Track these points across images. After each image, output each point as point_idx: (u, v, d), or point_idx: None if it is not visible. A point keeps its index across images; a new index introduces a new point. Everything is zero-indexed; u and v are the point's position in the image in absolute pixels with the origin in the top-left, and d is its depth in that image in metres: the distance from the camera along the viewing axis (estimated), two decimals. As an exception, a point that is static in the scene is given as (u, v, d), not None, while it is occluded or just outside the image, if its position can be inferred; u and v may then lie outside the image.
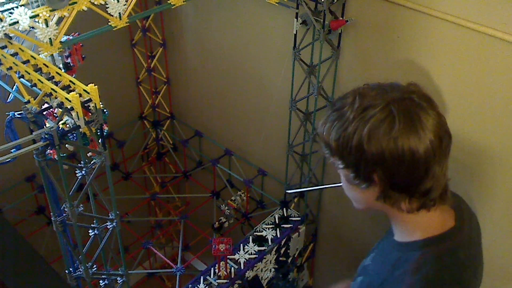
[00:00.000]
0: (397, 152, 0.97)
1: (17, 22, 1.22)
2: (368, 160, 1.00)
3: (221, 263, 1.98)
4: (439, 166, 1.03)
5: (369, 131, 0.98)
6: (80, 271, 1.56)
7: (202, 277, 2.01)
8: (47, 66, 1.26)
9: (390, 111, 0.98)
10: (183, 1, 1.59)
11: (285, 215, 2.27)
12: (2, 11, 1.23)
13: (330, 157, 1.07)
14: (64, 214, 1.42)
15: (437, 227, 1.11)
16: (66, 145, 1.28)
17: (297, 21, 1.88)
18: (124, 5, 1.42)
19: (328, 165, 2.29)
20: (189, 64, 2.77)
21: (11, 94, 1.37)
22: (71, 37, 1.37)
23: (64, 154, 1.31)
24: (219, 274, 2.00)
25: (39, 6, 1.26)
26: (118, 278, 1.66)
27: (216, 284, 1.98)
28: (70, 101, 1.15)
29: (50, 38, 1.30)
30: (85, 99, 1.18)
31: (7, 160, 1.19)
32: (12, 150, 1.21)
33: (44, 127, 1.23)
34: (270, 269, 2.20)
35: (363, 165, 1.01)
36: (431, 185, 1.03)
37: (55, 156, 1.28)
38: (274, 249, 2.15)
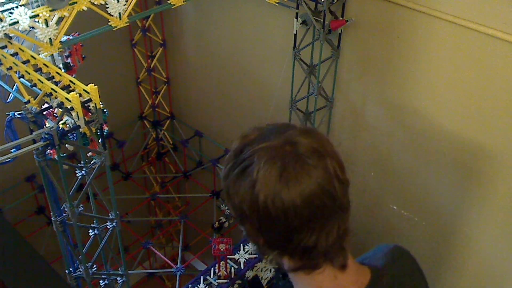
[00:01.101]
0: (257, 206, 0.84)
1: (17, 22, 1.22)
2: (234, 209, 0.89)
3: (221, 263, 1.98)
4: (317, 225, 0.88)
5: (234, 179, 0.87)
6: (80, 271, 1.56)
7: (202, 277, 2.01)
8: (47, 66, 1.26)
9: (258, 158, 0.85)
10: (183, 1, 1.59)
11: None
12: (2, 11, 1.23)
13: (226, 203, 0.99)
14: (64, 214, 1.42)
15: None
16: (66, 145, 1.28)
17: (297, 21, 1.88)
18: (124, 5, 1.42)
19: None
20: (189, 64, 2.77)
21: (11, 94, 1.37)
22: (71, 37, 1.37)
23: (64, 154, 1.31)
24: (219, 274, 2.00)
25: (39, 6, 1.26)
26: (118, 278, 1.66)
27: (216, 284, 1.98)
28: (70, 101, 1.15)
29: (50, 38, 1.30)
30: (85, 99, 1.18)
31: (7, 160, 1.19)
32: (12, 150, 1.21)
33: (44, 127, 1.23)
34: (270, 269, 2.20)
35: (234, 213, 0.90)
36: (310, 245, 0.89)
37: (55, 156, 1.28)
38: (274, 249, 2.15)
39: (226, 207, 2.54)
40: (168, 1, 1.58)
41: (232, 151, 0.90)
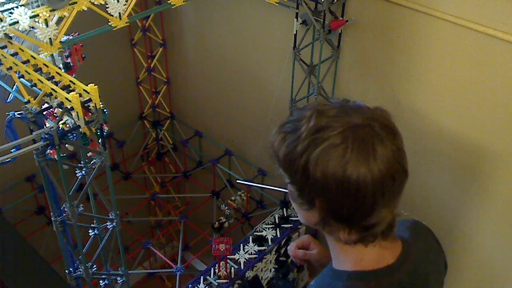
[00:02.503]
0: (342, 182, 0.88)
1: (17, 22, 1.22)
2: (312, 184, 0.91)
3: (221, 263, 1.98)
4: (387, 202, 0.94)
5: (317, 155, 0.89)
6: (80, 271, 1.56)
7: (202, 277, 2.01)
8: (47, 66, 1.26)
9: (344, 137, 0.89)
10: (183, 1, 1.59)
11: (285, 215, 2.27)
12: (2, 11, 1.23)
13: (278, 168, 1.01)
14: (64, 214, 1.42)
15: (370, 263, 1.02)
16: (66, 145, 1.28)
17: (297, 21, 1.88)
18: (124, 5, 1.42)
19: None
20: (189, 64, 2.77)
21: (11, 94, 1.37)
22: (71, 37, 1.37)
23: (64, 154, 1.31)
24: (219, 274, 2.00)
25: (39, 6, 1.27)
26: (118, 278, 1.66)
27: (216, 284, 1.98)
28: (70, 101, 1.15)
29: (50, 38, 1.31)
30: (85, 99, 1.18)
31: (7, 160, 1.19)
32: (12, 150, 1.21)
33: (44, 127, 1.23)
34: (270, 269, 2.20)
35: (307, 187, 0.92)
36: (374, 221, 0.95)
37: (55, 156, 1.28)
38: (274, 249, 2.15)
39: (226, 207, 2.54)
40: (168, 1, 1.58)
41: (312, 125, 0.92)
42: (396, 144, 0.93)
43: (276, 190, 1.48)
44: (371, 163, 0.88)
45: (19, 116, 1.29)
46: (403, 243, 1.06)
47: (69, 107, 1.17)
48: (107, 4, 1.39)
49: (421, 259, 1.09)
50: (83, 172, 1.35)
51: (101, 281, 1.67)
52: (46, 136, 1.20)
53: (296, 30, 1.91)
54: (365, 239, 0.99)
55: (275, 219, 2.25)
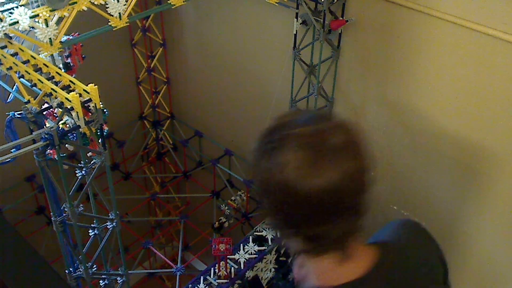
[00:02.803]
0: (286, 190, 0.87)
1: (17, 22, 1.22)
2: (261, 183, 0.92)
3: (221, 263, 1.98)
4: (338, 215, 0.91)
5: (266, 156, 0.90)
6: (80, 271, 1.56)
7: (202, 277, 2.01)
8: (47, 66, 1.26)
9: (295, 146, 0.87)
10: (183, 1, 1.59)
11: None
12: (2, 11, 1.23)
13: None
14: (64, 214, 1.42)
15: (330, 278, 0.99)
16: (66, 145, 1.28)
17: (297, 21, 1.88)
18: (124, 5, 1.42)
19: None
20: (189, 64, 2.77)
21: (11, 94, 1.37)
22: (71, 37, 1.37)
23: (64, 154, 1.31)
24: (219, 274, 2.00)
25: (39, 6, 1.26)
26: (118, 278, 1.66)
27: (216, 284, 1.98)
28: (70, 101, 1.15)
29: (50, 38, 1.30)
30: (85, 99, 1.18)
31: (7, 160, 1.19)
32: (12, 150, 1.21)
33: (44, 127, 1.23)
34: (270, 269, 2.20)
35: (261, 187, 0.93)
36: (319, 233, 0.92)
37: (55, 156, 1.28)
38: (274, 249, 2.15)
39: (226, 207, 2.54)
40: (168, 1, 1.58)
41: (266, 129, 0.93)
42: (352, 160, 0.89)
43: None
44: (320, 174, 0.86)
45: (19, 116, 1.29)
46: (380, 250, 1.03)
47: (69, 107, 1.17)
48: (107, 4, 1.39)
49: (405, 262, 1.05)
50: (83, 172, 1.35)
51: (101, 281, 1.67)
52: (46, 136, 1.20)
53: (296, 30, 1.91)
54: (314, 250, 0.96)
55: (275, 219, 2.25)
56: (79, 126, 1.21)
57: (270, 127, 0.93)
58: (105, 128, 1.26)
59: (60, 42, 1.34)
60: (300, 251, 0.99)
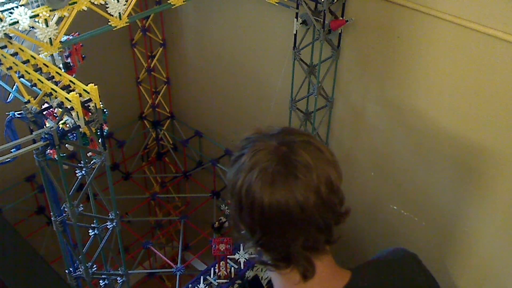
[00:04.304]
0: (238, 196, 0.90)
1: (17, 22, 1.22)
2: (229, 193, 0.95)
3: (221, 263, 1.98)
4: (280, 231, 0.90)
5: (231, 167, 0.96)
6: (80, 271, 1.56)
7: (202, 277, 2.01)
8: (47, 66, 1.26)
9: (256, 161, 0.89)
10: (183, 1, 1.59)
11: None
12: (2, 11, 1.23)
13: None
14: (64, 214, 1.42)
15: None
16: (66, 145, 1.28)
17: (297, 21, 1.88)
18: (124, 5, 1.42)
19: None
20: (189, 64, 2.77)
21: (11, 94, 1.37)
22: (71, 37, 1.37)
23: (64, 154, 1.31)
24: (219, 274, 2.00)
25: (39, 6, 1.26)
26: (118, 278, 1.66)
27: (216, 284, 1.98)
28: (70, 101, 1.15)
29: (50, 38, 1.31)
30: (85, 99, 1.18)
31: (7, 160, 1.19)
32: (12, 150, 1.21)
33: (44, 127, 1.23)
34: (270, 269, 2.20)
35: (233, 204, 0.96)
36: (271, 245, 0.93)
37: (55, 156, 1.28)
38: (274, 249, 2.15)
39: (226, 207, 2.54)
40: (168, 1, 1.58)
41: (239, 142, 0.98)
42: (305, 181, 0.88)
43: None
44: (278, 190, 0.86)
45: (19, 116, 1.29)
46: (353, 275, 1.01)
47: (69, 107, 1.17)
48: (107, 4, 1.39)
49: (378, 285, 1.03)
50: (83, 172, 1.35)
51: (101, 281, 1.67)
52: (46, 136, 1.20)
53: (296, 30, 1.91)
54: (273, 263, 0.96)
55: (275, 219, 2.25)
56: (79, 126, 1.21)
57: (240, 143, 0.97)
58: (105, 128, 1.26)
59: (60, 42, 1.34)
60: (259, 263, 0.99)
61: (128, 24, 1.45)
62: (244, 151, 0.93)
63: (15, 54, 1.29)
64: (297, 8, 1.85)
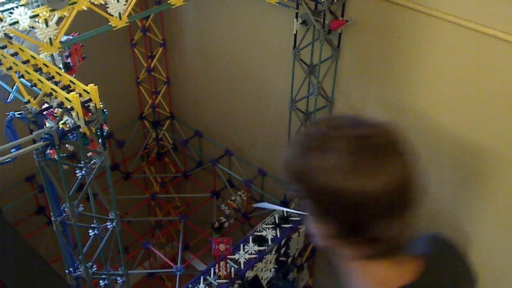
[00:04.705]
0: (344, 193, 0.88)
1: (17, 22, 1.22)
2: (317, 194, 0.92)
3: (221, 263, 1.98)
4: (394, 216, 0.93)
5: (320, 164, 0.90)
6: (80, 271, 1.56)
7: (202, 277, 2.01)
8: (47, 66, 1.26)
9: (350, 148, 0.89)
10: (183, 1, 1.59)
11: (285, 215, 2.27)
12: (2, 11, 1.23)
13: (292, 183, 1.00)
14: (64, 214, 1.42)
15: (390, 280, 0.99)
16: (66, 145, 1.28)
17: (297, 21, 1.88)
18: (124, 5, 1.42)
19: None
20: (189, 64, 2.77)
21: (11, 94, 1.37)
22: (71, 37, 1.37)
23: (64, 154, 1.31)
24: (219, 274, 2.00)
25: (39, 6, 1.26)
26: (118, 278, 1.66)
27: (216, 284, 1.98)
28: (70, 101, 1.15)
29: (50, 38, 1.31)
30: (85, 99, 1.18)
31: (7, 160, 1.19)
32: (12, 150, 1.21)
33: (44, 127, 1.23)
34: (270, 269, 2.19)
35: (318, 198, 0.93)
36: (379, 235, 0.94)
37: (55, 156, 1.28)
38: (274, 249, 2.15)
39: (226, 207, 2.54)
40: (168, 1, 1.58)
41: (306, 135, 0.96)
42: (404, 158, 0.94)
43: (297, 213, 1.44)
44: (377, 176, 0.88)
45: (19, 116, 1.29)
46: (426, 259, 1.04)
47: (69, 107, 1.17)
48: (107, 4, 1.39)
49: (445, 276, 1.07)
50: (83, 172, 1.35)
51: (101, 281, 1.67)
52: (46, 136, 1.20)
53: (296, 30, 1.91)
54: (372, 254, 0.97)
55: (275, 219, 2.25)
56: (79, 126, 1.21)
57: (311, 134, 0.95)
58: (105, 128, 1.26)
59: (60, 42, 1.34)
60: (356, 258, 0.98)
61: (128, 24, 1.46)
62: (324, 147, 0.91)
63: (15, 54, 1.29)
64: (297, 8, 1.85)
